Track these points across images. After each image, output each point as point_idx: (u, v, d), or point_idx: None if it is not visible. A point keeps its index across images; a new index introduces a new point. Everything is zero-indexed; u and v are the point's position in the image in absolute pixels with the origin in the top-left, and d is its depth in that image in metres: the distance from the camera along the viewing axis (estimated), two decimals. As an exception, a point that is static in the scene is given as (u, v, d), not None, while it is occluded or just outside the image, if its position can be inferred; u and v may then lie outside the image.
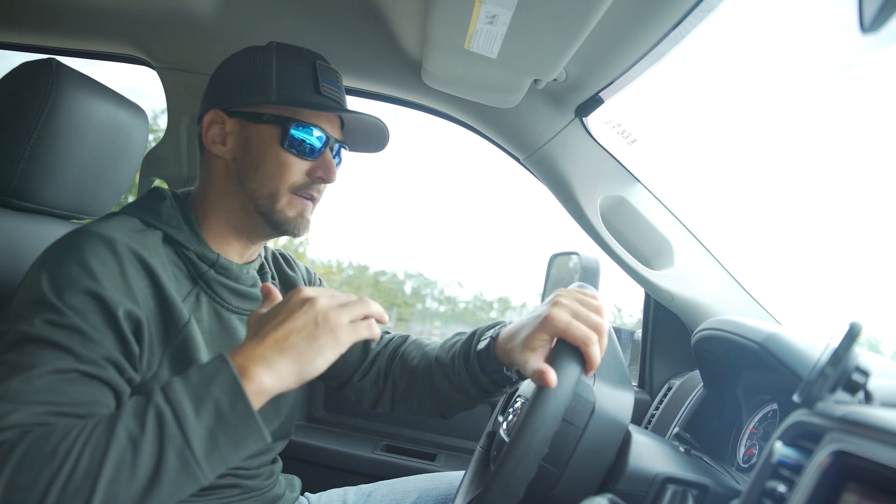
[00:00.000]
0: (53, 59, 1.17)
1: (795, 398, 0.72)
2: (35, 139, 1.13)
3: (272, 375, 0.77)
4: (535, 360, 0.91)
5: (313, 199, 1.13)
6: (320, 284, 1.41)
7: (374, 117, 1.16)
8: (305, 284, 1.35)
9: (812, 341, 1.04)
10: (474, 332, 1.16)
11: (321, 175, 1.11)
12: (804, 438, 0.68)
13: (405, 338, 1.35)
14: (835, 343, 0.70)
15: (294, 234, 1.12)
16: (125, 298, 0.88)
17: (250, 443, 0.76)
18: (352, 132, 1.22)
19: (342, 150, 1.19)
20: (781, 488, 0.66)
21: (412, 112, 1.81)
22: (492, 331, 1.10)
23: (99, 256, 0.88)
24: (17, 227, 1.16)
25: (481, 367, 1.10)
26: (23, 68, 1.17)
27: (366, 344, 1.32)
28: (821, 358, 0.75)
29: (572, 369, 0.87)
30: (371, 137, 1.24)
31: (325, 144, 1.12)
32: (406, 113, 1.83)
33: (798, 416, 0.70)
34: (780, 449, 0.68)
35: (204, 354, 1.01)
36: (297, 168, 1.10)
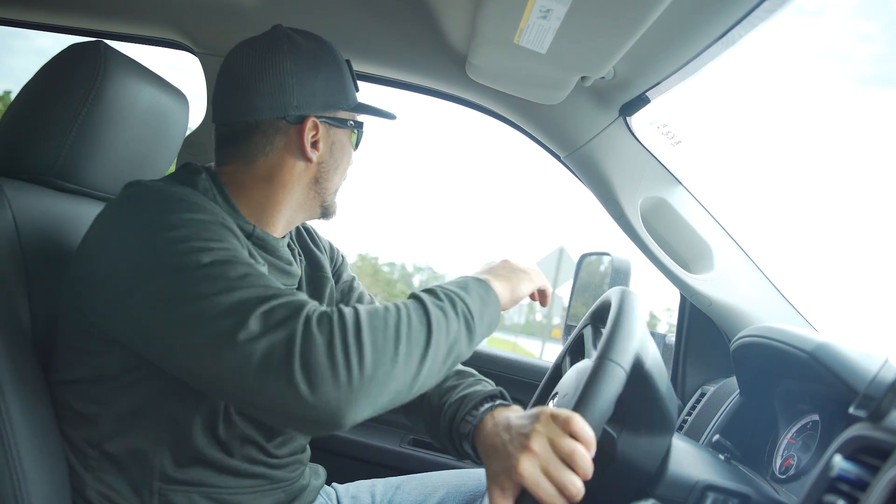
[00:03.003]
0: (102, 41, 1.18)
1: (853, 411, 0.70)
2: (81, 120, 1.13)
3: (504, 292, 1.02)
4: (499, 500, 0.87)
5: None
6: (343, 260, 1.42)
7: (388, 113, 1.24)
8: (330, 259, 1.37)
9: (864, 353, 1.02)
10: (465, 397, 1.11)
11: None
12: (866, 453, 0.66)
13: None
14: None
15: (331, 218, 1.22)
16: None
17: (497, 319, 0.99)
18: None
19: None
20: (841, 503, 0.64)
21: (421, 101, 1.80)
22: (480, 411, 1.05)
23: (198, 204, 0.93)
24: (60, 208, 1.17)
25: (461, 438, 1.07)
26: (71, 50, 1.17)
27: None
28: (880, 371, 0.73)
29: None
30: None
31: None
32: (417, 101, 1.82)
33: (859, 429, 0.69)
34: (839, 462, 0.66)
35: None
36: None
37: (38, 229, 1.09)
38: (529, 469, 0.83)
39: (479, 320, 0.92)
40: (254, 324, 0.78)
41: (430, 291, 0.92)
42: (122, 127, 1.20)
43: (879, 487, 0.58)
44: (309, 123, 1.10)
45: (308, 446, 1.26)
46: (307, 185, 1.15)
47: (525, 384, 1.98)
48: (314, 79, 1.11)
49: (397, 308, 0.85)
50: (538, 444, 0.84)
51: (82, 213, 1.21)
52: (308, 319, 0.79)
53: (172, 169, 1.77)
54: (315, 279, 1.29)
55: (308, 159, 1.12)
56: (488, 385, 1.15)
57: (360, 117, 1.20)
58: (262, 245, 1.09)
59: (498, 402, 1.07)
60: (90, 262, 0.93)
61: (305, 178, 1.14)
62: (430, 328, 0.85)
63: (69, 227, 1.16)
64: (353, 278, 1.42)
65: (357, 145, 1.21)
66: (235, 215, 1.07)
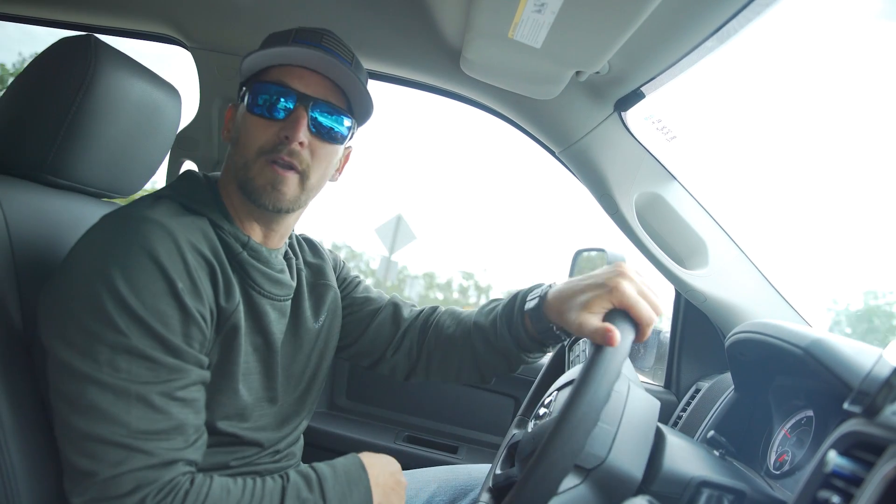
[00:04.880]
0: (92, 35, 1.16)
1: (848, 406, 0.70)
2: (72, 116, 1.12)
3: (375, 497, 1.02)
4: (595, 321, 0.92)
5: (294, 168, 1.05)
6: (345, 265, 1.42)
7: (336, 59, 1.05)
8: (332, 263, 1.36)
9: (858, 348, 1.02)
10: (516, 295, 1.16)
11: (286, 133, 1.03)
12: (861, 449, 0.66)
13: (434, 308, 1.36)
14: (892, 354, 0.68)
15: (266, 207, 1.05)
16: (194, 297, 0.93)
17: None
18: (353, 94, 1.12)
19: (337, 113, 1.10)
20: (835, 499, 0.64)
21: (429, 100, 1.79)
22: (539, 290, 1.11)
23: (168, 252, 0.91)
24: (51, 204, 1.16)
25: (526, 326, 1.12)
26: (62, 44, 1.16)
27: (396, 318, 1.34)
28: (874, 367, 0.73)
29: (629, 338, 0.88)
30: (360, 95, 1.12)
31: (295, 101, 1.05)
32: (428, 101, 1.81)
33: (853, 425, 0.68)
34: (834, 458, 0.66)
35: (243, 339, 1.04)
36: (266, 131, 1.04)
37: (28, 225, 1.07)
38: (630, 289, 0.92)
39: None
40: (93, 486, 0.83)
41: (304, 489, 0.95)
42: (113, 122, 1.19)
43: (874, 483, 0.58)
44: (228, 112, 1.16)
45: (302, 437, 1.27)
46: (230, 167, 1.10)
47: (519, 380, 1.97)
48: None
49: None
50: (631, 272, 0.94)
51: (74, 209, 1.20)
52: None
53: (166, 164, 1.78)
54: (317, 288, 1.28)
55: (226, 141, 1.14)
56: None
57: (274, 75, 1.07)
58: (256, 256, 1.09)
59: (545, 284, 1.12)
60: (51, 283, 0.93)
61: (229, 161, 1.11)
62: None
63: (60, 223, 1.15)
64: (358, 276, 1.43)
65: (254, 103, 1.05)
66: (232, 227, 1.06)
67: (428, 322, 1.32)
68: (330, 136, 1.09)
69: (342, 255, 1.52)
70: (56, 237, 1.12)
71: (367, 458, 1.05)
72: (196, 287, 0.93)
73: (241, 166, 1.05)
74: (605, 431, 0.96)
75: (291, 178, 1.05)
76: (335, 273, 1.36)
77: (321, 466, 0.99)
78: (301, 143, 1.03)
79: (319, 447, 1.95)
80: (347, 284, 1.38)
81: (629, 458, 0.97)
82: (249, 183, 1.04)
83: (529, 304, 1.11)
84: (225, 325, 1.00)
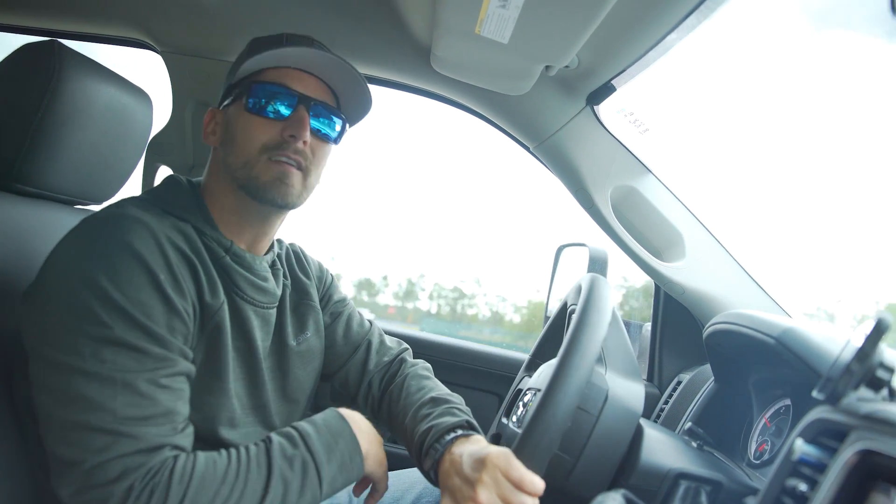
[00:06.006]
0: (56, 41, 1.15)
1: (815, 394, 0.70)
2: (38, 122, 1.11)
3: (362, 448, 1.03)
4: None
5: (299, 166, 1.07)
6: (332, 281, 1.40)
7: (337, 58, 1.09)
8: (317, 283, 1.35)
9: (829, 336, 1.02)
10: (430, 429, 1.11)
11: (292, 132, 1.05)
12: (826, 436, 0.66)
13: (402, 362, 1.36)
14: (858, 339, 0.67)
15: (274, 202, 1.06)
16: (176, 290, 0.93)
17: (353, 481, 1.02)
18: (345, 95, 1.17)
19: (332, 114, 1.13)
20: (802, 487, 0.64)
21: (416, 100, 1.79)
22: (440, 447, 1.05)
23: (149, 247, 0.91)
24: (21, 213, 1.14)
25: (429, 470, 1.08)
26: (24, 50, 1.15)
27: (364, 365, 1.35)
28: (842, 354, 0.73)
29: None
30: (356, 94, 1.16)
31: (296, 102, 1.07)
32: (411, 101, 1.80)
33: (819, 412, 0.68)
34: (800, 446, 0.66)
35: (229, 340, 1.04)
36: (267, 130, 1.06)
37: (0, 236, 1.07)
38: (488, 497, 0.89)
39: (328, 489, 0.97)
40: (78, 477, 0.82)
41: (289, 446, 0.95)
42: (81, 127, 1.18)
43: (836, 469, 0.58)
44: (207, 116, 1.15)
45: None
46: (221, 170, 1.10)
47: (502, 377, 1.97)
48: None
49: (235, 479, 0.89)
50: (484, 496, 0.89)
51: (45, 217, 1.18)
52: (126, 495, 0.81)
53: (140, 169, 1.76)
54: (300, 307, 1.27)
55: (210, 145, 1.14)
56: (457, 415, 1.13)
57: (272, 76, 1.09)
58: (240, 261, 1.08)
59: (459, 433, 1.07)
60: (32, 287, 0.93)
61: (218, 164, 1.11)
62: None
63: (31, 231, 1.13)
64: (344, 299, 1.41)
65: (254, 104, 1.06)
66: (214, 230, 1.06)
67: (392, 380, 1.32)
68: (327, 136, 1.12)
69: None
70: (27, 245, 1.11)
71: (343, 410, 1.05)
72: (177, 281, 0.93)
73: (241, 165, 1.06)
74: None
75: (297, 174, 1.07)
76: (320, 292, 1.35)
77: (301, 424, 0.99)
78: (305, 142, 1.06)
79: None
80: (330, 313, 1.36)
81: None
82: (254, 181, 1.05)
83: (427, 462, 1.07)
84: (209, 323, 1.00)
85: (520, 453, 0.89)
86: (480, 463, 0.91)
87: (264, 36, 1.14)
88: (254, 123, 1.06)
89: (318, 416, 1.02)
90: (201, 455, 0.88)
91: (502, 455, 0.90)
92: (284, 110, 1.07)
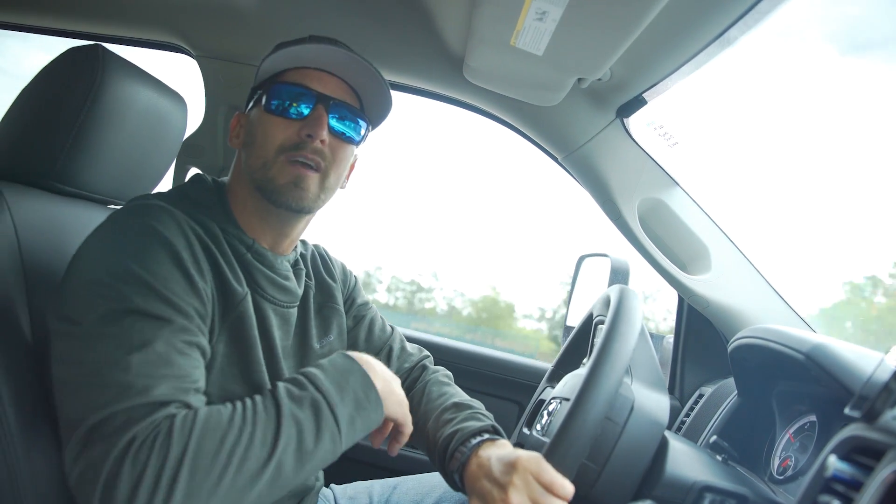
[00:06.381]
0: (100, 45, 1.18)
1: (849, 411, 0.70)
2: (80, 124, 1.13)
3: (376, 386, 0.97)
4: None
5: (317, 168, 1.06)
6: (355, 284, 1.41)
7: (357, 56, 1.08)
8: (342, 286, 1.35)
9: (859, 353, 1.02)
10: (454, 433, 1.11)
11: (309, 132, 1.04)
12: (861, 453, 0.66)
13: (423, 369, 1.37)
14: (894, 358, 0.68)
15: (289, 206, 1.06)
16: (195, 268, 0.93)
17: (373, 424, 0.96)
18: (367, 96, 1.16)
19: (353, 114, 1.12)
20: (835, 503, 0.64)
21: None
22: (466, 450, 1.06)
23: (171, 228, 0.92)
24: (59, 211, 1.16)
25: (453, 474, 1.08)
26: (70, 54, 1.17)
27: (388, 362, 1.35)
28: (875, 371, 0.73)
29: None
30: (377, 95, 1.15)
31: (315, 101, 1.07)
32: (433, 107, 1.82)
33: (854, 430, 0.68)
34: (834, 463, 0.66)
35: (256, 332, 1.04)
36: (285, 129, 1.05)
37: (37, 233, 1.08)
38: (519, 499, 0.88)
39: (348, 431, 0.91)
40: (83, 433, 0.78)
41: (295, 389, 0.90)
42: (120, 130, 1.20)
43: (873, 487, 0.58)
44: (234, 120, 1.18)
45: None
46: (242, 171, 1.10)
47: (524, 386, 1.98)
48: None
49: (242, 423, 0.82)
50: (516, 499, 0.89)
51: (82, 217, 1.20)
52: (127, 446, 0.76)
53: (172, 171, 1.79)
54: (325, 309, 1.27)
55: (237, 147, 1.15)
56: (482, 419, 1.14)
57: (291, 76, 1.09)
58: (261, 260, 1.09)
59: (486, 437, 1.07)
60: (61, 282, 0.93)
61: (240, 165, 1.12)
62: (273, 449, 0.82)
63: (69, 230, 1.15)
64: (366, 303, 1.41)
65: (273, 104, 1.07)
66: (236, 230, 1.07)
67: (414, 384, 1.33)
68: (347, 137, 1.11)
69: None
70: (64, 244, 1.13)
71: (350, 352, 1.01)
72: (198, 263, 0.94)
73: (260, 167, 1.06)
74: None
75: (313, 177, 1.06)
76: (344, 295, 1.35)
77: (306, 369, 0.95)
78: (323, 141, 1.05)
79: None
80: (353, 317, 1.37)
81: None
82: (270, 183, 1.05)
83: (453, 465, 1.07)
84: (231, 313, 1.00)
85: (550, 458, 0.90)
86: (511, 466, 0.92)
87: (290, 40, 1.14)
88: (272, 124, 1.06)
89: (324, 360, 0.98)
90: (205, 406, 0.84)
91: (533, 458, 0.91)
92: (303, 110, 1.06)
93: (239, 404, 0.85)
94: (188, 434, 0.78)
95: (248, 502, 0.80)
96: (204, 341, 0.91)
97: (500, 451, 0.99)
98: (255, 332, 1.03)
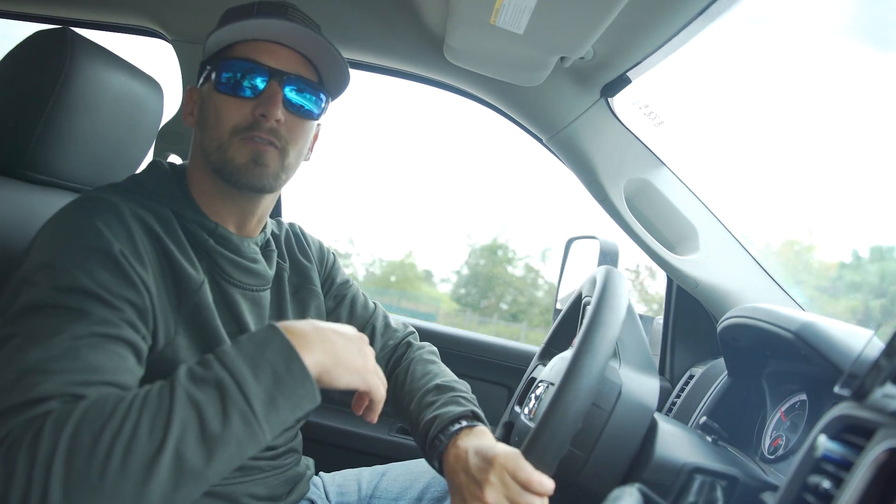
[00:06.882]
0: (68, 28, 1.15)
1: (838, 390, 0.69)
2: (49, 110, 1.11)
3: (310, 357, 0.81)
4: None
5: (273, 145, 1.02)
6: (334, 262, 1.38)
7: (307, 30, 1.02)
8: (318, 266, 1.32)
9: (848, 331, 1.01)
10: (435, 418, 1.09)
11: (262, 111, 0.99)
12: (851, 433, 0.65)
13: (409, 346, 1.35)
14: (885, 334, 0.66)
15: (251, 187, 1.02)
16: (133, 259, 0.87)
17: (305, 403, 0.80)
18: (325, 67, 1.10)
19: (311, 88, 1.07)
20: (826, 484, 0.63)
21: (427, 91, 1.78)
22: (445, 438, 1.04)
23: (104, 218, 0.88)
24: (30, 200, 1.14)
25: (433, 459, 1.07)
26: (37, 37, 1.14)
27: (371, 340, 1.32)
28: (864, 349, 0.72)
29: None
30: (334, 66, 1.10)
31: (268, 77, 1.01)
32: (423, 91, 1.79)
33: (844, 409, 0.67)
34: (824, 443, 0.65)
35: (219, 322, 1.00)
36: (238, 109, 1.01)
37: (8, 221, 1.07)
38: (495, 497, 0.87)
39: (267, 412, 0.77)
40: None
41: (200, 369, 0.78)
42: (92, 116, 1.18)
43: (863, 467, 0.57)
44: (186, 96, 1.13)
45: (300, 432, 1.25)
46: (199, 152, 1.06)
47: (513, 369, 1.97)
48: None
49: (127, 411, 0.71)
50: (492, 497, 0.88)
51: (55, 205, 1.17)
52: None
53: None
54: (301, 291, 1.25)
55: (191, 126, 1.12)
56: (462, 404, 1.12)
57: (242, 51, 1.04)
58: (225, 244, 1.06)
59: (464, 424, 1.05)
60: None
61: (197, 146, 1.08)
62: (164, 437, 0.70)
63: (41, 219, 1.12)
64: (347, 281, 1.38)
65: (223, 82, 1.01)
66: (197, 213, 1.04)
67: (399, 362, 1.31)
68: (305, 112, 1.06)
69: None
70: (35, 232, 1.11)
71: (278, 322, 0.85)
72: (138, 252, 0.88)
73: (216, 149, 1.01)
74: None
75: (272, 152, 1.02)
76: (321, 275, 1.33)
77: (222, 347, 0.81)
78: (278, 121, 1.01)
79: (312, 440, 1.94)
80: (333, 297, 1.34)
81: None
82: (228, 164, 1.01)
83: (432, 452, 1.05)
84: (187, 303, 0.96)
85: (529, 454, 0.89)
86: (488, 463, 0.90)
87: (236, 6, 1.09)
88: (224, 103, 1.01)
89: (244, 334, 0.85)
90: (94, 395, 0.73)
91: (511, 456, 0.90)
92: (256, 87, 1.01)
93: (132, 392, 0.75)
94: (60, 429, 0.68)
95: (158, 498, 0.69)
96: (132, 334, 0.84)
97: (478, 441, 0.98)
98: (217, 322, 0.99)
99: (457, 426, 1.04)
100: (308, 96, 1.06)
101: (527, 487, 0.87)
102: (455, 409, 1.09)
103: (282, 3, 1.08)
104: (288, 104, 1.03)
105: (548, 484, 0.87)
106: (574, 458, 0.97)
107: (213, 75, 1.03)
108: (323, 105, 1.10)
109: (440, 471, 1.03)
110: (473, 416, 1.09)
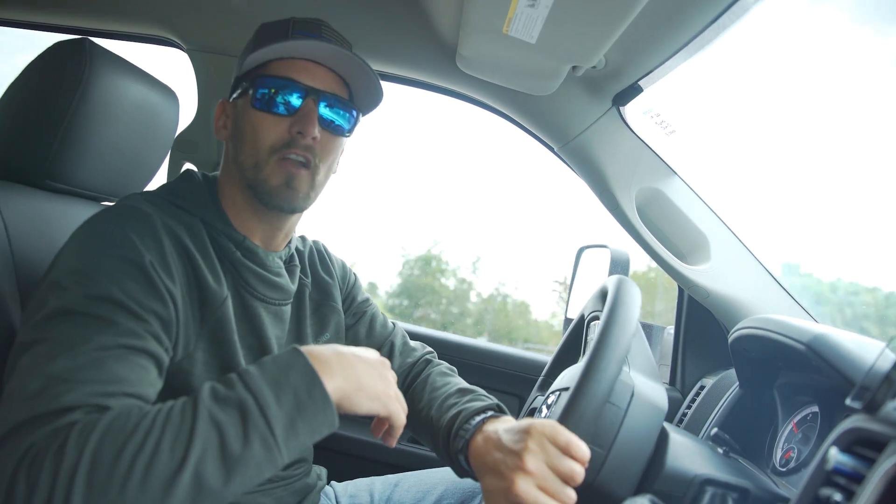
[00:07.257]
0: (87, 38, 1.16)
1: (850, 402, 0.69)
2: (69, 119, 1.12)
3: (331, 383, 0.82)
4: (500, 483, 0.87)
5: (307, 166, 1.04)
6: (355, 281, 1.39)
7: (343, 51, 1.04)
8: (340, 283, 1.33)
9: (861, 343, 1.00)
10: (458, 414, 1.08)
11: (299, 129, 1.01)
12: (862, 445, 0.65)
13: (427, 363, 1.33)
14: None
15: (281, 208, 1.05)
16: (163, 271, 0.89)
17: (324, 428, 0.81)
18: (356, 84, 1.12)
19: (344, 106, 1.09)
20: (837, 497, 0.63)
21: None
22: (470, 427, 1.02)
23: (136, 229, 0.89)
24: (50, 209, 1.16)
25: (457, 454, 1.05)
26: (56, 48, 1.16)
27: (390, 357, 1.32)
28: (877, 362, 0.71)
29: None
30: (366, 83, 1.11)
31: (304, 95, 1.03)
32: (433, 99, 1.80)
33: (855, 421, 0.67)
34: (835, 455, 0.65)
35: (236, 337, 1.01)
36: (275, 127, 1.03)
37: (29, 231, 1.08)
38: (526, 489, 0.83)
39: (286, 436, 0.77)
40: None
41: (223, 388, 0.78)
42: (110, 125, 1.19)
43: (875, 480, 0.57)
44: (217, 108, 1.14)
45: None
46: (232, 166, 1.08)
47: (524, 379, 1.96)
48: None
49: (150, 427, 0.72)
50: (533, 463, 0.84)
51: (73, 214, 1.19)
52: (23, 456, 0.69)
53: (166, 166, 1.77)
54: (322, 307, 1.25)
55: (223, 139, 1.13)
56: (485, 400, 1.11)
57: (278, 69, 1.05)
58: (252, 257, 1.07)
59: (490, 413, 1.04)
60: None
61: (229, 159, 1.09)
62: (185, 455, 0.71)
63: (60, 227, 1.14)
64: (367, 299, 1.39)
65: (260, 99, 1.03)
66: (226, 225, 1.05)
67: (416, 378, 1.29)
68: (336, 129, 1.08)
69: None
70: (56, 242, 1.11)
71: (304, 346, 0.86)
72: (167, 265, 0.90)
73: (252, 166, 1.03)
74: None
75: (304, 175, 1.04)
76: (342, 292, 1.33)
77: (247, 366, 0.82)
78: (314, 138, 1.02)
79: (324, 449, 1.94)
80: (353, 314, 1.35)
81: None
82: (263, 184, 1.03)
83: (457, 444, 1.03)
84: (210, 317, 0.98)
85: (566, 420, 0.89)
86: (525, 432, 0.88)
87: (271, 21, 1.11)
88: (262, 121, 1.03)
89: (269, 356, 0.85)
90: (117, 408, 0.74)
91: (547, 423, 0.88)
92: (292, 104, 1.03)
93: (156, 407, 0.76)
94: (84, 442, 0.69)
95: None
96: (156, 347, 0.86)
97: (507, 424, 0.96)
98: (235, 337, 1.01)
99: (483, 416, 1.04)
100: (341, 112, 1.09)
101: (566, 451, 0.85)
102: (479, 404, 1.09)
103: (315, 20, 1.10)
104: (322, 121, 1.05)
105: (585, 449, 0.86)
106: (595, 456, 0.96)
107: (250, 92, 1.04)
108: (354, 121, 1.12)
109: (466, 466, 1.01)
110: (498, 409, 1.08)
